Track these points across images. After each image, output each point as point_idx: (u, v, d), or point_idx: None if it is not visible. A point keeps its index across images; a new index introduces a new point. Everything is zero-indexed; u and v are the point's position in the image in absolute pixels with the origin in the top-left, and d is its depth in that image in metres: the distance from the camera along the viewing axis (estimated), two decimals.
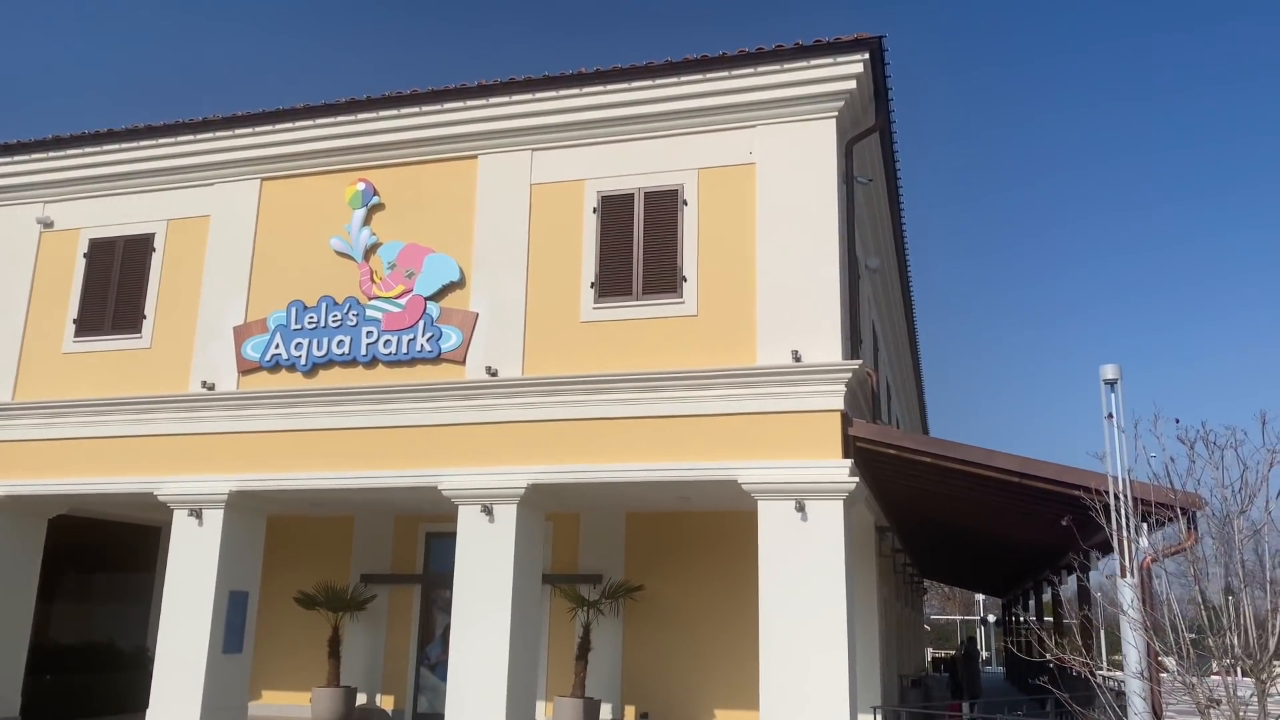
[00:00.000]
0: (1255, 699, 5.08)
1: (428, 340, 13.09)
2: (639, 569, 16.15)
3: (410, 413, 12.96)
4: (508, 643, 12.07)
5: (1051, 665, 6.46)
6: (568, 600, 15.51)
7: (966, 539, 18.10)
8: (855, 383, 12.02)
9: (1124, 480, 7.48)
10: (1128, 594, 7.00)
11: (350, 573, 17.50)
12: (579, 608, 15.35)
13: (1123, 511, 6.87)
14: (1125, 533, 7.00)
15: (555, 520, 16.54)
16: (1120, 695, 7.26)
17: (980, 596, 52.37)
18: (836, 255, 12.06)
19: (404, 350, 13.17)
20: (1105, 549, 9.44)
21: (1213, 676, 5.53)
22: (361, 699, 16.89)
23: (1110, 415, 7.00)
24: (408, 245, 13.58)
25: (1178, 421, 5.95)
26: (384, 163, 14.00)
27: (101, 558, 17.97)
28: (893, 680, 16.77)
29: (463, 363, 12.98)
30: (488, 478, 12.45)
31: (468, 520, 12.52)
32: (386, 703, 16.89)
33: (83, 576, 17.77)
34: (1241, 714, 5.02)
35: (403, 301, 13.35)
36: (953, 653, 33.70)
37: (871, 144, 14.14)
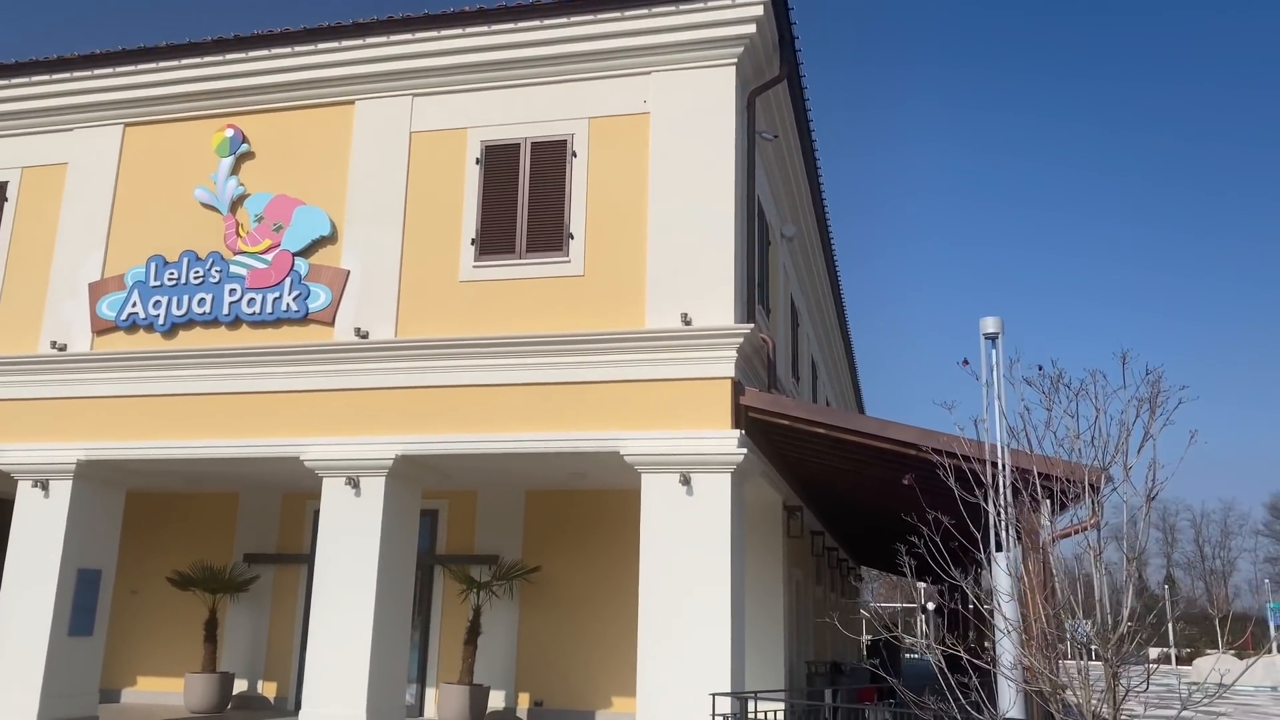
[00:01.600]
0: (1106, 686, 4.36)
1: (294, 299, 12.10)
2: (538, 550, 15.28)
3: (273, 377, 11.96)
4: (371, 626, 11.16)
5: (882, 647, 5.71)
6: (458, 582, 14.62)
7: (882, 520, 17.42)
8: (749, 349, 11.22)
9: (1002, 448, 6.75)
10: (999, 574, 6.27)
11: (234, 552, 16.45)
12: (469, 590, 14.46)
13: (993, 480, 6.11)
14: (999, 505, 6.24)
15: (451, 499, 15.68)
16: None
17: (922, 584, 52.13)
18: (732, 212, 11.24)
19: (269, 310, 12.16)
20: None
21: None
22: (242, 685, 15.87)
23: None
24: (276, 197, 12.55)
25: (1040, 369, 5.20)
26: (254, 108, 12.94)
27: None
28: (801, 666, 16.07)
29: (331, 324, 12.01)
30: (354, 448, 11.50)
31: (332, 493, 11.58)
32: (269, 689, 15.89)
33: None
34: (1094, 703, 4.31)
35: (269, 257, 12.33)
36: (871, 640, 33.22)
37: (782, 103, 13.35)
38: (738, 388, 10.89)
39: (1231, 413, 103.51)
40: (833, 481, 14.64)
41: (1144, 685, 4.32)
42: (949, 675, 4.93)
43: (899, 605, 57.05)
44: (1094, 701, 4.25)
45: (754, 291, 12.10)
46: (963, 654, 4.95)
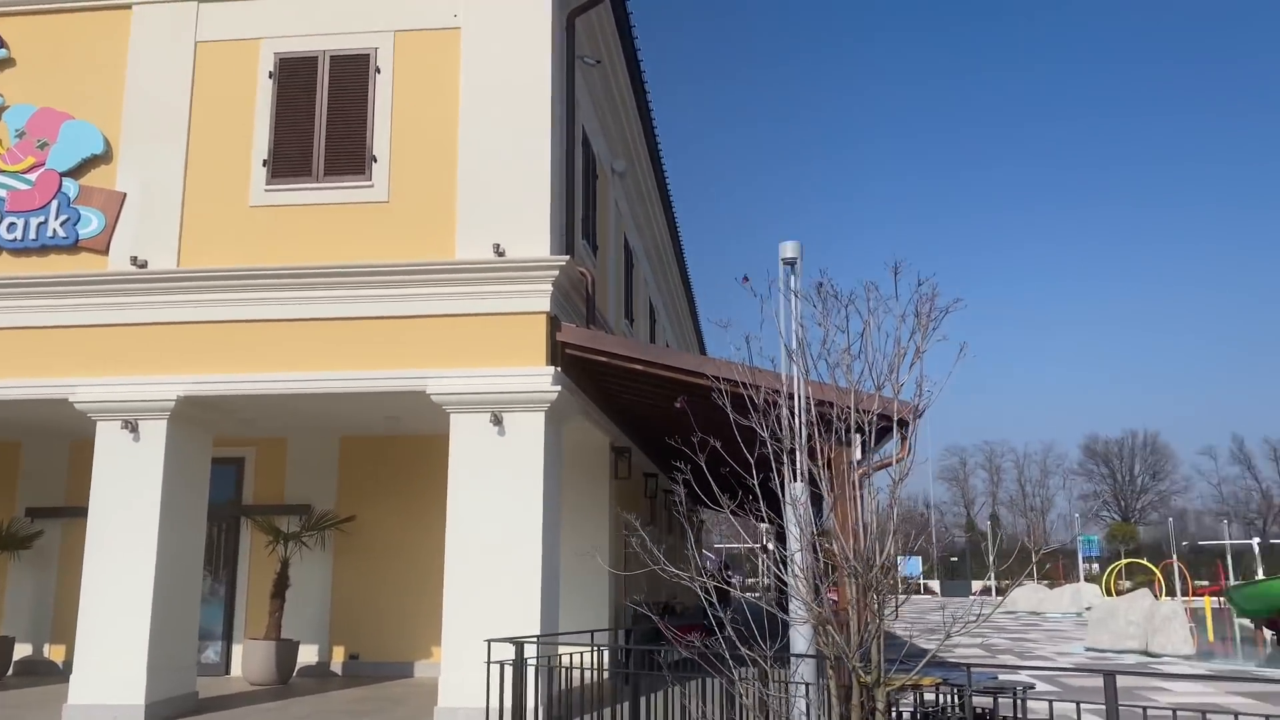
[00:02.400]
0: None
1: (62, 224, 10.85)
2: (353, 500, 14.51)
3: (39, 311, 10.74)
4: (152, 582, 10.25)
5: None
6: (264, 533, 13.73)
7: (712, 461, 17.36)
8: (567, 283, 10.70)
9: (799, 380, 6.47)
10: (792, 513, 6.01)
11: (17, 506, 15.05)
12: (276, 541, 13.59)
13: (788, 414, 5.82)
14: (797, 440, 5.96)
15: (259, 446, 14.71)
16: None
17: (764, 525, 53.36)
18: (548, 138, 10.62)
19: (33, 236, 10.88)
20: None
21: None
22: (26, 650, 14.59)
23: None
24: (41, 110, 11.19)
25: (819, 286, 4.88)
26: (16, 9, 11.47)
27: None
28: (628, 608, 15.89)
29: (105, 252, 10.84)
30: (131, 388, 10.45)
31: (107, 438, 10.52)
32: (56, 653, 14.64)
33: None
34: (875, 627, 4.08)
35: (32, 177, 11.01)
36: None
37: (607, 27, 12.73)
38: (554, 323, 10.37)
39: (1052, 359, 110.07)
40: (661, 422, 14.37)
41: (894, 614, 4.10)
42: (718, 608, 4.64)
43: (744, 546, 58.40)
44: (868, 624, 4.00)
45: (575, 224, 11.55)
46: (738, 590, 4.63)
